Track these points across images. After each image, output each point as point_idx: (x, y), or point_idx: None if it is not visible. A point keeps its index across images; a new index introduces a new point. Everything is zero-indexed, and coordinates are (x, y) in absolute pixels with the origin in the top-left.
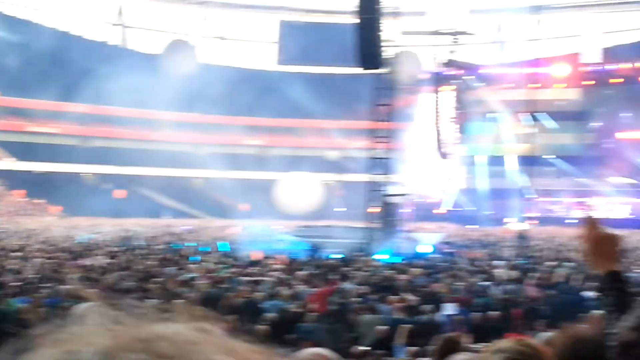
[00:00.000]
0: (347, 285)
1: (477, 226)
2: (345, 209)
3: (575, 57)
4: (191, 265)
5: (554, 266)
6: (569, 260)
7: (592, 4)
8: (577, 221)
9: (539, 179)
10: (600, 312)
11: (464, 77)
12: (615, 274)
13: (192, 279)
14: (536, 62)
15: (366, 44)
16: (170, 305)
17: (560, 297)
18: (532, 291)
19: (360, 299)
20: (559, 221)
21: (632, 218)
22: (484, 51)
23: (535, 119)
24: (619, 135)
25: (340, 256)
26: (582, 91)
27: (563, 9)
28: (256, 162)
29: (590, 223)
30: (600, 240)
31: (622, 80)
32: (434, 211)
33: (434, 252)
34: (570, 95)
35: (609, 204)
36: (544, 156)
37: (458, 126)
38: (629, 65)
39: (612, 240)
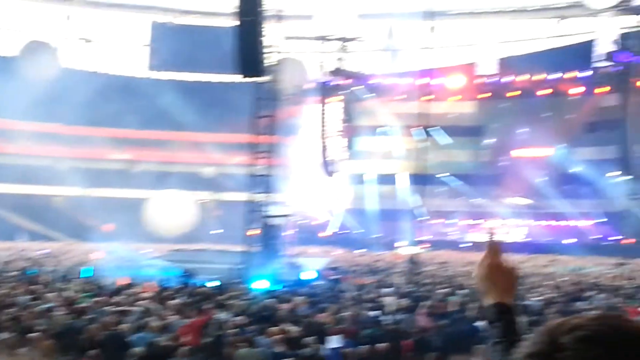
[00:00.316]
0: (223, 315)
1: (365, 250)
2: (221, 231)
3: (471, 68)
4: (49, 294)
5: (447, 294)
6: (463, 287)
7: (488, 12)
8: (472, 244)
9: (431, 199)
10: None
11: (352, 87)
12: (504, 305)
13: (50, 309)
14: (429, 73)
15: (247, 50)
16: (23, 339)
17: (453, 327)
18: (423, 321)
19: (237, 331)
20: (453, 245)
21: (528, 242)
22: (374, 59)
23: (428, 134)
24: (514, 152)
25: (215, 283)
26: (477, 104)
27: (458, 16)
28: (122, 179)
29: (493, 248)
30: (499, 269)
31: (518, 93)
32: (319, 234)
33: (318, 279)
34: (465, 108)
35: (505, 227)
36: (437, 174)
37: (346, 141)
38: (526, 77)
39: (510, 271)
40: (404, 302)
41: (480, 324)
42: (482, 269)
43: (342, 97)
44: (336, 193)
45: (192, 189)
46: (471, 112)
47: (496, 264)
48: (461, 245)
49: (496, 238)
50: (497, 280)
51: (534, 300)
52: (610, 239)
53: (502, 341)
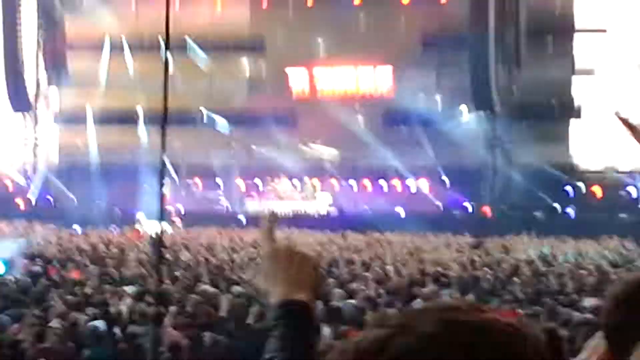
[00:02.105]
0: None
1: (85, 228)
2: None
3: None
4: None
5: (213, 294)
6: (239, 282)
7: None
8: (251, 218)
9: (188, 148)
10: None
11: None
12: (294, 304)
13: None
14: None
15: None
16: None
17: (224, 342)
18: (175, 335)
19: None
20: (223, 219)
21: (336, 213)
22: None
23: (177, 50)
24: (293, 73)
25: None
26: (253, 17)
27: None
28: None
29: (267, 228)
30: (288, 256)
31: (312, 1)
32: (13, 202)
33: (10, 272)
34: (234, 23)
35: (297, 191)
36: (194, 111)
37: (47, 56)
38: None
39: (304, 260)
40: (145, 306)
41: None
42: (264, 257)
43: None
44: (37, 139)
45: None
46: (242, 19)
47: (282, 249)
48: (238, 218)
49: (274, 212)
50: (287, 269)
51: (345, 301)
52: (464, 206)
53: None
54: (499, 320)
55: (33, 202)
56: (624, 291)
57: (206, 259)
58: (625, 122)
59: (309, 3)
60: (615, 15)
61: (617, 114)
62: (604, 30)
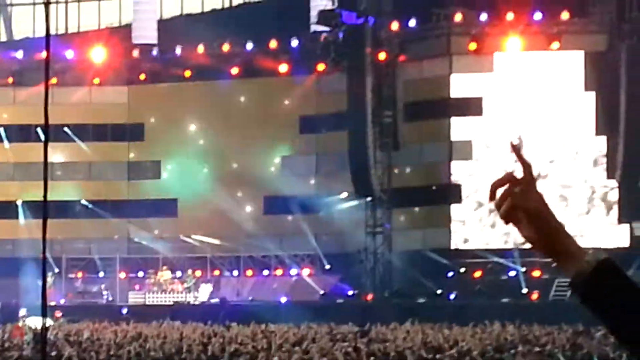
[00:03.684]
0: None
1: None
2: None
3: (117, 35)
4: None
5: None
6: None
7: None
8: (134, 309)
9: (70, 240)
10: None
11: None
12: None
13: None
14: (54, 42)
15: None
16: None
17: None
18: None
19: None
20: (108, 310)
21: (216, 303)
22: None
23: (54, 139)
24: (185, 164)
25: None
26: (130, 91)
27: None
28: None
29: None
30: None
31: (189, 73)
32: None
33: None
34: (111, 97)
35: (180, 283)
36: (74, 200)
37: None
38: (202, 49)
39: None
40: None
41: None
42: None
43: None
44: None
45: None
46: (119, 102)
47: None
48: (123, 311)
49: None
50: None
51: None
52: (347, 294)
53: None
54: None
55: None
56: None
57: (90, 355)
58: (518, 152)
59: (184, 74)
60: (491, 96)
61: (512, 143)
62: (480, 114)
